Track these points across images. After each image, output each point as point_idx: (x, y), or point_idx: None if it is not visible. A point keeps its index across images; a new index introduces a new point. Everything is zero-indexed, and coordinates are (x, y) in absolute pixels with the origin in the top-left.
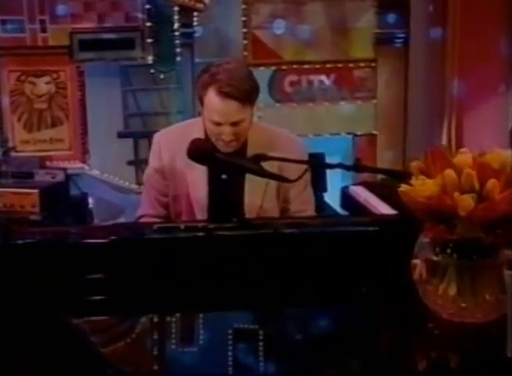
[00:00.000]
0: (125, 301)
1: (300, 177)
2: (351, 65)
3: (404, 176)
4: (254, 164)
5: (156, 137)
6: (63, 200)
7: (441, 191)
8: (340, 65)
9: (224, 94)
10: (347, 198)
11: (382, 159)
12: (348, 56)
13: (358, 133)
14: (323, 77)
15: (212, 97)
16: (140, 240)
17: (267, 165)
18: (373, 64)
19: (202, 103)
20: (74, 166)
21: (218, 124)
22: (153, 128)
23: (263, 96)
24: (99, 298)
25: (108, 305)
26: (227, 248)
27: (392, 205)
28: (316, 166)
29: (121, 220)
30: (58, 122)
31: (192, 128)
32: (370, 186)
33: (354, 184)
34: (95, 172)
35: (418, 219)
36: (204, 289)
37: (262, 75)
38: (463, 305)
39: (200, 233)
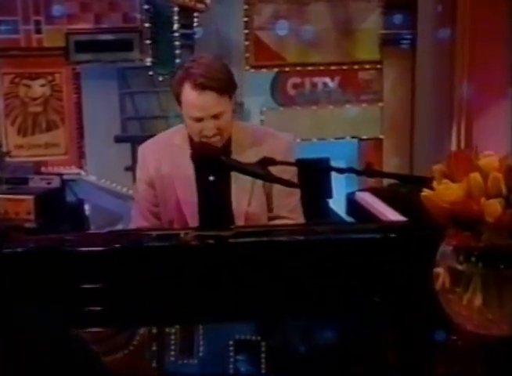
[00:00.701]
0: (123, 311)
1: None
2: (356, 67)
3: (418, 181)
4: (261, 168)
5: (141, 149)
6: (58, 207)
7: (466, 196)
8: (344, 67)
9: (200, 86)
10: (353, 204)
11: (388, 164)
12: (353, 58)
13: (364, 137)
14: (327, 80)
15: (188, 92)
16: (138, 248)
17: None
18: (378, 66)
19: (180, 102)
20: (70, 171)
21: (199, 119)
22: (152, 132)
23: (265, 99)
24: (95, 308)
25: (105, 315)
26: (228, 257)
27: (401, 211)
28: (326, 170)
29: (119, 227)
30: (53, 126)
31: (176, 135)
32: (377, 192)
33: (360, 190)
34: (92, 178)
35: (433, 225)
36: (205, 299)
37: (265, 77)
38: (489, 316)
39: (202, 241)
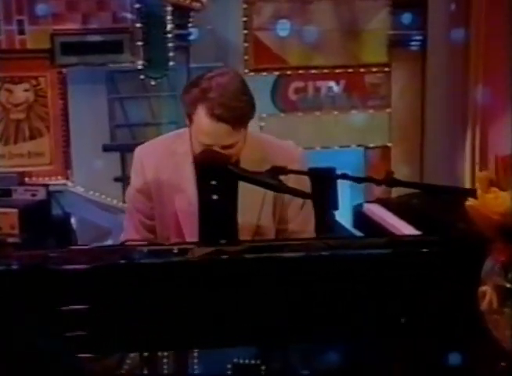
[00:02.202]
0: (110, 336)
1: (324, 192)
2: (362, 70)
3: (449, 192)
4: (272, 178)
5: (137, 152)
6: (44, 221)
7: None
8: (350, 70)
9: (215, 117)
10: (360, 217)
11: (397, 174)
12: (359, 61)
13: (371, 145)
14: (332, 84)
15: (202, 117)
16: (128, 265)
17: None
18: (386, 69)
19: (190, 121)
20: (56, 182)
21: (208, 146)
22: (143, 141)
23: (265, 105)
24: (80, 333)
25: (91, 341)
26: (229, 274)
27: (413, 224)
28: (343, 179)
29: (108, 242)
30: (37, 134)
31: (179, 141)
32: (386, 204)
33: (367, 202)
34: (79, 189)
35: (454, 239)
36: (200, 321)
37: (265, 81)
38: None
39: (195, 257)
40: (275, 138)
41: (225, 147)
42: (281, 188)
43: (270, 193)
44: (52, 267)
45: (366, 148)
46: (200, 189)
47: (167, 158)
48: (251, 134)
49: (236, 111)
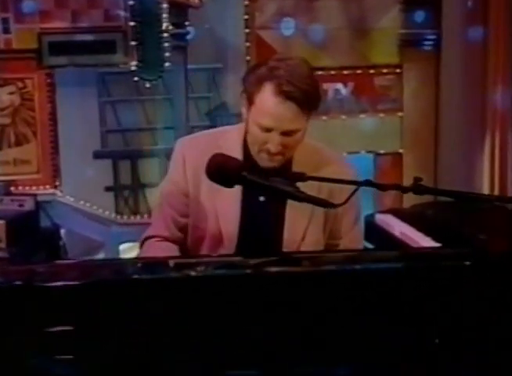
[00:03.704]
0: (101, 360)
1: (348, 199)
2: (372, 71)
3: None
4: (289, 185)
5: (180, 145)
6: (32, 233)
7: None
8: (359, 71)
9: (284, 94)
10: (372, 228)
11: (409, 183)
12: (369, 61)
13: (381, 152)
14: (340, 86)
15: (268, 95)
16: (123, 281)
17: (314, 190)
18: (397, 70)
19: (251, 102)
20: (44, 192)
21: (268, 130)
22: (136, 147)
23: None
24: (67, 356)
25: (80, 365)
26: (239, 294)
27: (433, 236)
28: (364, 186)
29: (99, 257)
30: (23, 140)
31: (227, 137)
32: (400, 214)
33: (380, 212)
34: (69, 199)
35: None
36: (209, 348)
37: None
38: None
39: (200, 273)
40: (331, 149)
41: (285, 133)
42: (300, 196)
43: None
44: (37, 284)
45: (376, 154)
46: (244, 195)
47: (211, 154)
48: (311, 140)
49: (306, 92)
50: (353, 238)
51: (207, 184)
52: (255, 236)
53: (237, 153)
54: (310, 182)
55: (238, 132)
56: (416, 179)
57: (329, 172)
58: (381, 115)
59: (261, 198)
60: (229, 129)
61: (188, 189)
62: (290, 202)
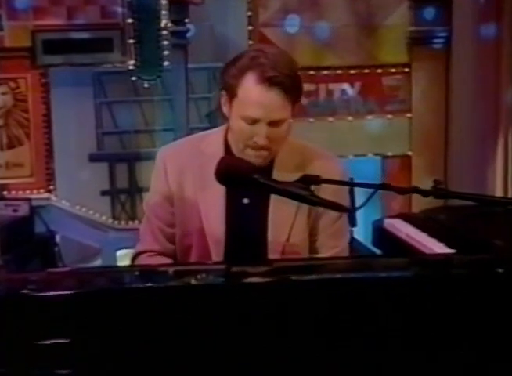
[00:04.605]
0: (99, 374)
1: (364, 203)
2: (379, 71)
3: None
4: (303, 189)
5: (161, 154)
6: (27, 240)
7: None
8: (366, 71)
9: (268, 80)
10: (381, 234)
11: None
12: (376, 60)
13: (389, 154)
14: (346, 86)
15: (252, 85)
16: (121, 291)
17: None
18: (406, 70)
19: (233, 96)
20: (38, 197)
21: (254, 121)
22: (134, 150)
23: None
24: (62, 371)
25: None
26: (239, 301)
27: (447, 242)
28: (381, 190)
29: (96, 264)
30: (16, 143)
31: (208, 141)
32: (410, 219)
33: (389, 217)
34: (64, 204)
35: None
36: (210, 363)
37: None
38: None
39: (204, 281)
40: (317, 146)
41: (272, 124)
42: (313, 200)
43: (304, 207)
44: (30, 293)
45: (384, 157)
46: (228, 198)
47: (193, 159)
48: (291, 138)
49: (290, 77)
50: (332, 234)
51: (190, 189)
52: (241, 239)
53: (218, 158)
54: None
55: (218, 135)
56: (436, 182)
57: (315, 169)
58: (389, 116)
59: (245, 200)
60: (209, 133)
61: (172, 197)
62: (273, 203)
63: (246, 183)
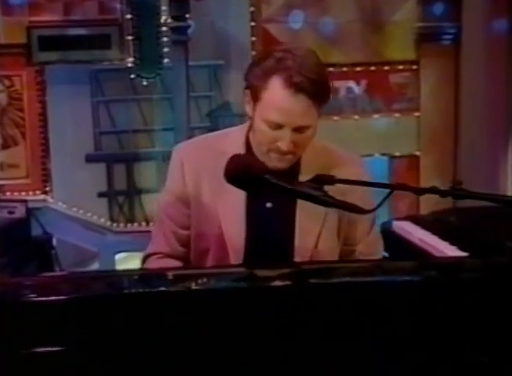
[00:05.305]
0: None
1: (379, 205)
2: (386, 68)
3: None
4: (316, 189)
5: (178, 152)
6: (23, 242)
7: None
8: (372, 68)
9: (295, 86)
10: (389, 236)
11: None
12: (383, 57)
13: (396, 154)
14: (352, 84)
15: (277, 89)
16: (119, 296)
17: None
18: (414, 67)
19: (257, 98)
20: (34, 198)
21: (278, 126)
22: (132, 150)
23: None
24: None
25: None
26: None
27: (459, 245)
28: (398, 190)
29: (94, 267)
30: (11, 142)
31: (228, 140)
32: (419, 222)
33: (397, 219)
34: (60, 206)
35: None
36: (213, 366)
37: None
38: None
39: (202, 286)
40: (342, 149)
41: (297, 130)
42: (326, 201)
43: (333, 212)
44: (24, 299)
45: (392, 157)
46: (249, 201)
47: (212, 159)
48: (318, 140)
49: (317, 83)
50: (370, 243)
51: (208, 191)
52: (263, 245)
53: None
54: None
55: (239, 134)
56: (456, 182)
57: (341, 175)
58: (397, 115)
59: (268, 204)
60: (229, 132)
61: (188, 197)
62: (300, 207)
63: (257, 183)
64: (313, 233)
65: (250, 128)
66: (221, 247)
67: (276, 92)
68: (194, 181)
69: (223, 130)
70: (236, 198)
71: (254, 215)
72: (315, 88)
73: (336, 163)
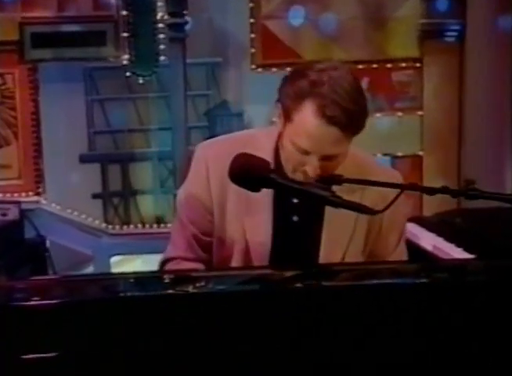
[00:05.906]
0: None
1: (390, 204)
2: (389, 66)
3: None
4: (324, 189)
5: (203, 154)
6: (16, 245)
7: None
8: (375, 66)
9: (327, 118)
10: None
11: None
12: (386, 55)
13: (399, 154)
14: None
15: (309, 116)
16: (115, 300)
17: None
18: (417, 64)
19: (287, 118)
20: (27, 200)
21: (305, 152)
22: (127, 150)
23: (275, 107)
24: None
25: None
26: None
27: (465, 247)
28: (409, 190)
29: (88, 270)
30: (3, 142)
31: (256, 143)
32: (424, 223)
33: None
34: (54, 207)
35: None
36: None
37: (274, 79)
38: None
39: (203, 289)
40: (378, 161)
41: (324, 158)
42: (334, 201)
43: (363, 219)
44: (16, 303)
45: (394, 157)
46: (275, 212)
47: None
48: (351, 149)
49: (353, 115)
50: (396, 257)
51: (232, 198)
52: (288, 257)
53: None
54: (352, 192)
55: (268, 141)
56: (468, 182)
57: (375, 188)
58: (399, 114)
59: (295, 218)
60: (257, 134)
61: (212, 203)
62: (327, 222)
63: (262, 183)
64: (339, 249)
65: (280, 136)
66: (244, 255)
67: (308, 119)
68: (219, 187)
69: (248, 131)
70: (263, 210)
71: (280, 228)
72: (350, 120)
73: (369, 175)
